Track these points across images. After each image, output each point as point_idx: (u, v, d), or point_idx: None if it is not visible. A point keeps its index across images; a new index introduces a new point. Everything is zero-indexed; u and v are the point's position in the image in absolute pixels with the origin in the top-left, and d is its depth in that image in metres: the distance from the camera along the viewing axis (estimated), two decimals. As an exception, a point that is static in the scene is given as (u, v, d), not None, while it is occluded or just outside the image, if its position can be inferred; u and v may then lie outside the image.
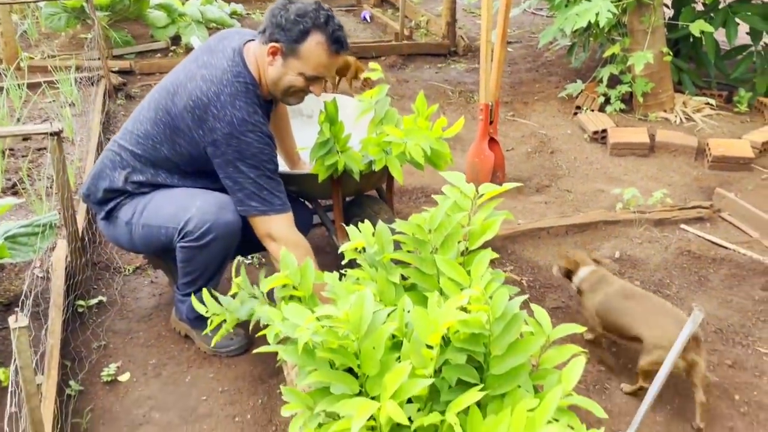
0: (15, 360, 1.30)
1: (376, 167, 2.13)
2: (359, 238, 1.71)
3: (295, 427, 1.42)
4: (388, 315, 1.47)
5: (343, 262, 1.76)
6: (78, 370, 2.10)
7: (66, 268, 2.27)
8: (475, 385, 1.37)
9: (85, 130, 3.78)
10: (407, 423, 1.19)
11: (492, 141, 3.46)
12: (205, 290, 1.88)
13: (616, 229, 3.15)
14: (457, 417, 1.24)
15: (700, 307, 1.58)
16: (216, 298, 1.85)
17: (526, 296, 1.51)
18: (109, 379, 2.09)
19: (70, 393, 1.99)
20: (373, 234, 1.73)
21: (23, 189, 3.16)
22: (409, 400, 1.40)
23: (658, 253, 2.97)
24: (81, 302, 2.36)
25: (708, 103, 4.40)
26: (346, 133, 2.21)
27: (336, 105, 2.14)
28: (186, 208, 1.97)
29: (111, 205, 2.09)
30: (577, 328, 1.56)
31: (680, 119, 4.30)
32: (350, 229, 1.76)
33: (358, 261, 1.73)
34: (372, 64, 2.43)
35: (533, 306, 1.63)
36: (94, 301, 2.39)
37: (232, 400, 2.05)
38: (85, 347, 2.21)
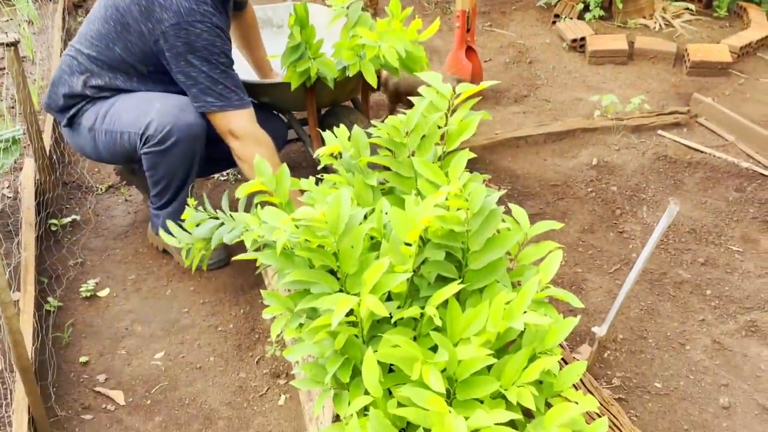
0: (-14, 269, 1.27)
1: (350, 72, 2.06)
2: (335, 142, 1.67)
3: (276, 329, 1.42)
4: (366, 216, 1.46)
5: (318, 167, 1.72)
6: (56, 287, 2.08)
7: (35, 186, 2.21)
8: (454, 280, 1.38)
9: (45, 48, 3.61)
10: (387, 314, 1.20)
11: (470, 50, 3.38)
12: (169, 222, 1.85)
13: (594, 136, 3.14)
14: (436, 311, 1.26)
15: (675, 200, 1.59)
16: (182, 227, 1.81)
17: (504, 191, 1.50)
18: (89, 294, 2.08)
19: (49, 309, 1.99)
20: (349, 138, 1.69)
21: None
22: (390, 298, 1.42)
23: (635, 158, 2.97)
24: (54, 221, 2.31)
25: (687, 9, 4.32)
26: (319, 39, 2.13)
27: (306, 8, 2.05)
28: (146, 112, 1.91)
29: (72, 111, 2.02)
30: (555, 225, 1.57)
31: (659, 25, 4.22)
32: (326, 134, 1.72)
33: (334, 166, 1.71)
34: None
35: (511, 204, 1.63)
36: (67, 220, 2.35)
37: (214, 311, 2.06)
38: (62, 265, 2.18)
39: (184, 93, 1.96)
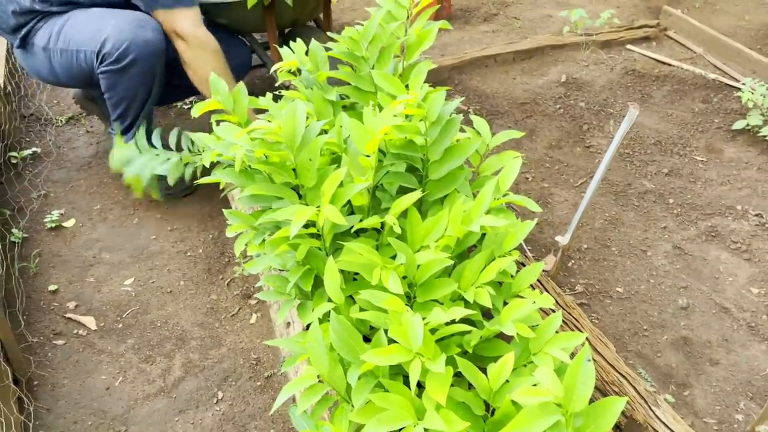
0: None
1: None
2: (292, 58, 1.64)
3: (240, 246, 1.43)
4: (326, 131, 1.45)
5: (276, 84, 1.69)
6: (19, 219, 2.06)
7: (-9, 119, 2.16)
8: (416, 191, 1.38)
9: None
10: (345, 224, 1.20)
11: (436, -33, 3.28)
12: (120, 140, 1.82)
13: (563, 53, 3.11)
14: (397, 220, 1.27)
15: (635, 105, 1.59)
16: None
17: (460, 99, 1.49)
18: (54, 225, 2.06)
19: (14, 240, 1.97)
20: (307, 53, 1.66)
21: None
22: (353, 212, 1.42)
23: (603, 74, 2.96)
24: (13, 153, 2.27)
25: None
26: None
27: None
28: (101, 28, 1.83)
29: (24, 31, 1.93)
30: (515, 134, 1.57)
31: (631, -62, 4.12)
32: (283, 50, 1.68)
33: (293, 83, 1.67)
34: None
35: (472, 116, 1.62)
36: (27, 152, 2.30)
37: (183, 237, 2.06)
38: (24, 197, 2.15)
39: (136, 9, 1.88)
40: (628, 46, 3.16)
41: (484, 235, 1.37)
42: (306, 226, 1.26)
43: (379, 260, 1.20)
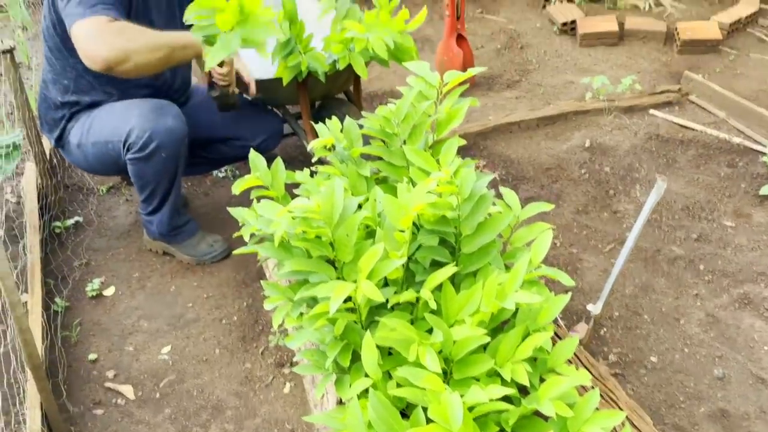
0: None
1: (340, 65, 2.09)
2: (328, 135, 1.71)
3: (277, 319, 1.47)
4: (360, 205, 1.50)
5: (313, 160, 1.76)
6: (62, 288, 2.13)
7: (37, 190, 2.26)
8: (449, 264, 1.42)
9: (40, 53, 3.64)
10: (383, 299, 1.24)
11: (460, 38, 3.40)
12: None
13: (587, 118, 3.17)
14: (431, 294, 1.30)
15: (663, 177, 1.62)
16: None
17: (494, 174, 1.54)
18: (95, 294, 2.12)
19: (57, 309, 2.03)
20: (341, 130, 1.73)
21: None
22: (387, 284, 1.46)
23: (627, 139, 3.00)
24: (57, 223, 2.36)
25: (677, -13, 4.33)
26: (308, 34, 2.16)
27: (294, 3, 2.07)
28: (126, 119, 1.92)
29: (58, 131, 2.08)
30: (546, 206, 1.61)
31: (649, 5, 4.24)
32: (319, 126, 1.75)
33: (328, 158, 1.74)
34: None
35: (502, 188, 1.66)
36: (70, 222, 2.39)
37: (218, 305, 2.10)
38: (67, 266, 2.23)
39: (156, 96, 1.99)
40: (651, 111, 3.21)
41: (518, 308, 1.39)
42: (344, 300, 1.30)
43: (415, 336, 1.22)
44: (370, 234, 1.51)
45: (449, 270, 1.32)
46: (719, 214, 2.52)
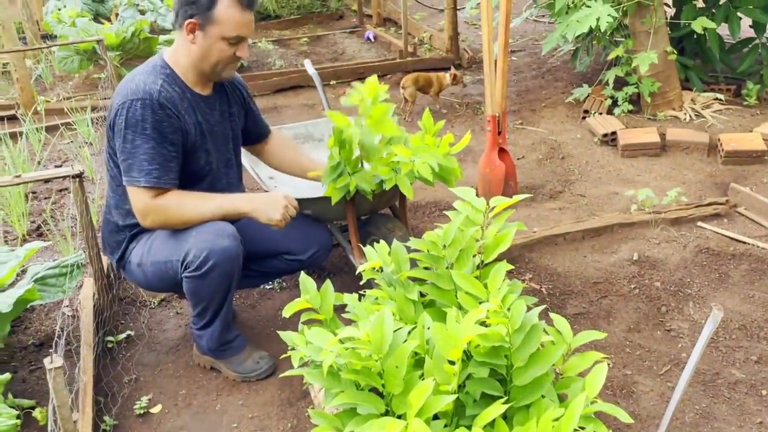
0: (52, 400, 1.34)
1: (387, 186, 2.16)
2: (376, 257, 1.75)
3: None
4: (409, 333, 1.50)
5: (361, 283, 1.79)
6: (111, 405, 2.14)
7: (94, 306, 2.33)
8: (500, 397, 1.39)
9: (104, 168, 3.87)
10: (433, 439, 1.22)
11: (502, 151, 3.49)
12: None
13: (633, 230, 3.15)
14: (483, 430, 1.27)
15: (719, 306, 1.58)
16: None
17: (543, 306, 1.53)
18: (142, 411, 2.13)
19: (105, 428, 2.04)
20: (389, 253, 1.76)
21: (48, 231, 3.24)
22: (436, 417, 1.43)
23: (676, 252, 2.96)
24: (110, 338, 2.41)
25: (717, 99, 4.40)
26: (356, 156, 2.25)
27: (341, 129, 2.18)
28: (185, 239, 2.02)
29: (119, 252, 2.19)
30: (598, 335, 1.58)
31: (690, 116, 4.30)
32: (367, 249, 1.79)
33: (376, 281, 1.77)
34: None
35: (552, 315, 1.65)
36: (122, 336, 2.45)
37: (262, 426, 2.08)
38: (117, 382, 2.25)
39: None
40: (699, 224, 3.18)
41: (573, 446, 1.34)
42: None
43: (468, 478, 1.18)
44: (418, 362, 1.50)
45: (500, 407, 1.29)
46: (779, 333, 2.42)
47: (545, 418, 1.25)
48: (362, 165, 2.30)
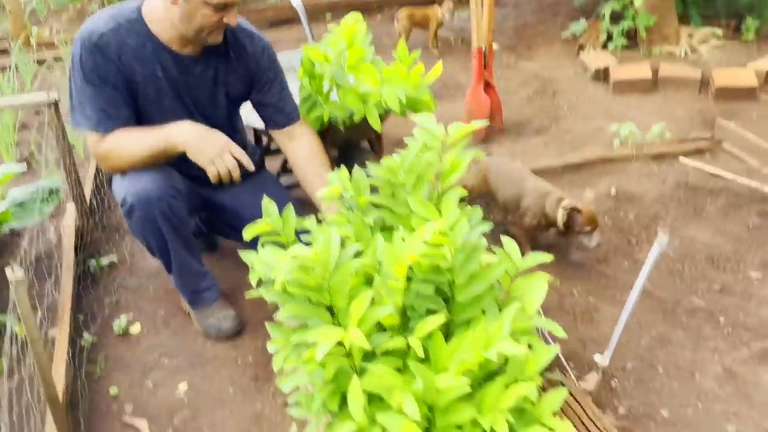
0: (16, 310, 1.43)
1: (356, 118, 2.19)
2: (336, 183, 1.79)
3: (277, 362, 1.52)
4: (360, 253, 1.56)
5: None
6: (91, 324, 2.25)
7: (76, 229, 2.41)
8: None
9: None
10: (369, 347, 1.29)
11: (488, 85, 3.47)
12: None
13: (614, 165, 3.16)
14: (420, 340, 1.33)
15: (665, 230, 1.63)
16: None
17: (489, 227, 1.57)
18: (121, 331, 2.23)
19: (84, 345, 2.14)
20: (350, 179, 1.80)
21: (35, 161, 3.30)
22: (384, 330, 1.50)
23: (655, 187, 2.98)
24: (93, 262, 2.50)
25: (714, 34, 4.31)
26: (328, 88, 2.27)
27: (311, 60, 2.18)
28: (122, 181, 1.98)
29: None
30: (546, 258, 1.63)
31: (685, 52, 4.23)
32: (329, 175, 1.83)
33: (337, 207, 1.81)
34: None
35: (503, 237, 1.69)
36: (105, 261, 2.53)
37: (236, 345, 2.18)
38: (98, 303, 2.35)
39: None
40: (681, 159, 3.18)
41: (508, 359, 1.41)
42: (340, 344, 1.35)
43: (399, 382, 1.26)
44: (369, 281, 1.56)
45: (438, 318, 1.36)
46: (745, 265, 2.47)
47: (478, 331, 1.32)
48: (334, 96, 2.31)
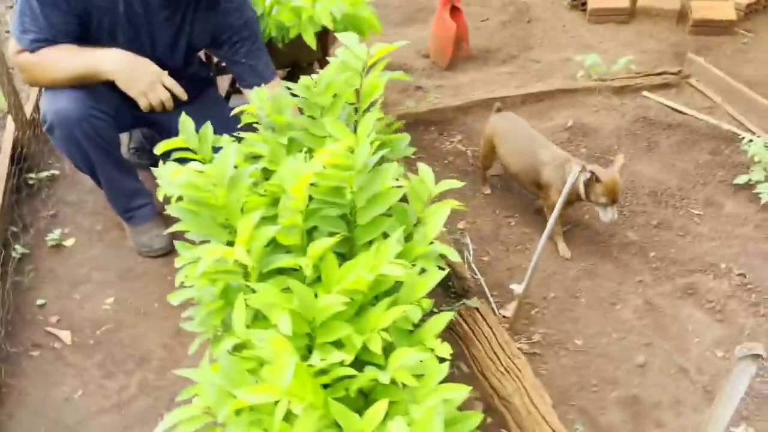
0: None
1: (291, 34, 2.11)
2: (254, 102, 1.75)
3: (180, 277, 1.52)
4: (261, 170, 1.55)
5: (239, 125, 1.80)
6: (23, 236, 2.25)
7: (14, 141, 2.38)
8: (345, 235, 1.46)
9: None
10: (250, 263, 1.29)
11: (455, 9, 3.35)
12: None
13: (575, 98, 3.10)
14: (310, 261, 1.33)
15: (579, 163, 1.60)
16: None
17: (385, 150, 1.55)
18: (54, 243, 2.23)
19: (15, 255, 2.15)
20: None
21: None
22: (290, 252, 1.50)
23: (612, 120, 2.93)
24: (31, 174, 2.48)
25: (701, -37, 4.13)
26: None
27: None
28: (44, 98, 1.95)
29: None
30: (456, 184, 1.61)
31: (668, -19, 4.06)
32: (251, 92, 1.79)
33: (255, 125, 1.78)
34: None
35: (419, 164, 1.67)
36: (45, 174, 2.51)
37: (166, 262, 2.19)
38: (33, 215, 2.35)
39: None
40: (644, 93, 3.12)
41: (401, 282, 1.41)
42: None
43: (280, 301, 1.27)
44: (276, 201, 1.55)
45: (329, 240, 1.35)
46: (689, 201, 2.46)
47: (367, 255, 1.32)
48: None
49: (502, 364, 1.76)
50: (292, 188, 1.39)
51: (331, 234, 1.50)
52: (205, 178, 1.40)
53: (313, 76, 1.72)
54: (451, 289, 2.05)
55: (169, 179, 1.48)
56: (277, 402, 1.08)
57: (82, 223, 2.36)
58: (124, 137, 2.52)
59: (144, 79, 1.87)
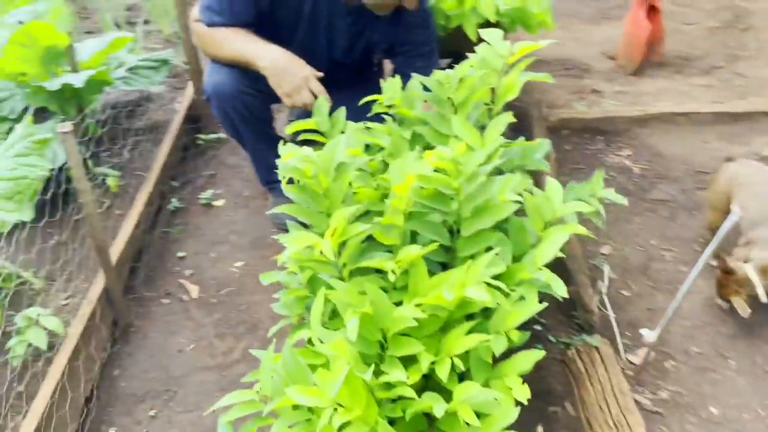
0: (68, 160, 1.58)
1: (452, 24, 2.03)
2: (387, 94, 1.70)
3: (281, 259, 1.53)
4: (381, 162, 1.51)
5: (368, 115, 1.76)
6: (181, 190, 2.45)
7: (189, 103, 2.59)
8: (445, 245, 1.37)
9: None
10: (333, 259, 1.25)
11: (652, 9, 3.02)
12: None
13: (782, 122, 2.65)
14: (394, 264, 1.27)
15: (741, 205, 1.34)
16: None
17: (502, 160, 1.41)
18: (206, 202, 2.40)
19: (170, 207, 2.35)
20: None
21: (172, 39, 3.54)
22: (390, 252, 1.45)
23: (825, 155, 2.46)
24: (200, 135, 2.68)
25: None
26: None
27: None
28: (208, 71, 2.05)
29: None
30: (588, 208, 1.44)
31: None
32: (385, 83, 1.74)
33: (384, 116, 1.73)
34: None
35: (549, 179, 1.52)
36: (212, 136, 2.70)
37: (297, 236, 2.25)
38: (195, 173, 2.54)
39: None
40: None
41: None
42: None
43: (356, 301, 1.22)
44: (385, 196, 1.50)
45: (421, 248, 1.27)
46: None
47: (458, 271, 1.22)
48: None
49: (611, 416, 1.56)
50: (395, 187, 1.32)
51: (433, 242, 1.42)
52: (312, 164, 1.39)
53: (448, 71, 1.62)
54: (576, 320, 1.87)
55: (281, 160, 1.49)
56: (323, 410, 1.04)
57: (234, 186, 2.51)
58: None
59: (292, 82, 1.89)
